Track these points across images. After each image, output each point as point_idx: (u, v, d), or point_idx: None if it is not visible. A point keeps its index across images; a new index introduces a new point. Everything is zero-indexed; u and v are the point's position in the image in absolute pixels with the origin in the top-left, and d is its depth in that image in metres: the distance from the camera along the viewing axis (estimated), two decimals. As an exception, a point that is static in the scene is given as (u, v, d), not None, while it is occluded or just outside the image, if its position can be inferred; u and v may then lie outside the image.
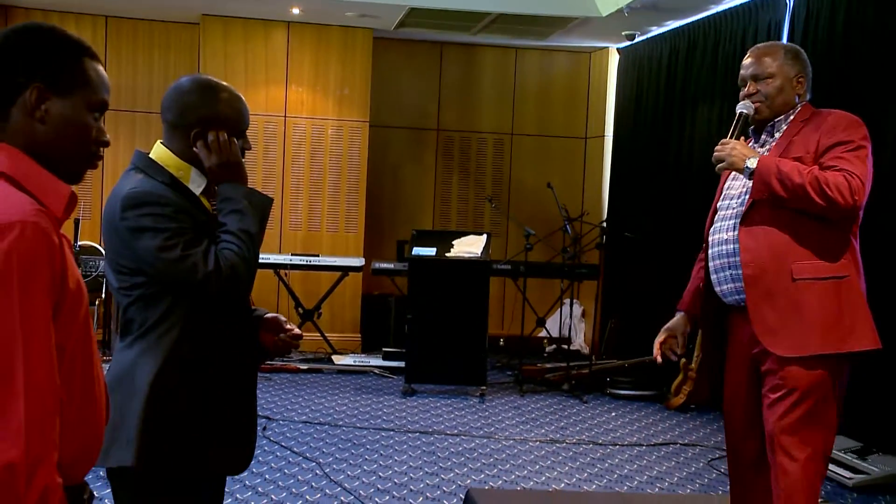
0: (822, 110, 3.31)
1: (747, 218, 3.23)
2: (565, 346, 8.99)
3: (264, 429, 6.29)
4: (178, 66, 9.23)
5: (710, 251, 3.39)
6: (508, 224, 10.02)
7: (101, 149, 1.81)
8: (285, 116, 9.25)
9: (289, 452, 5.88)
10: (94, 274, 8.13)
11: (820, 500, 5.11)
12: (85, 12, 9.00)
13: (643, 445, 6.44)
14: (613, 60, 9.99)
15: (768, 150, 3.29)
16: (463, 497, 4.79)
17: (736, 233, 3.26)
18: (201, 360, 2.38)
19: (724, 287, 3.33)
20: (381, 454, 5.95)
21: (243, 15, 9.07)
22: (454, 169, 10.31)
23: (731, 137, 3.28)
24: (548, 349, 9.69)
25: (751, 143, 3.38)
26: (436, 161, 10.27)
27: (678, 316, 3.61)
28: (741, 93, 3.38)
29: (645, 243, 8.51)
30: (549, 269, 9.13)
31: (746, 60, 3.38)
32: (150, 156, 2.44)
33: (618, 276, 9.25)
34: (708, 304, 3.44)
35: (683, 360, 7.45)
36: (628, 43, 9.44)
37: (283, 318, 2.62)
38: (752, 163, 3.14)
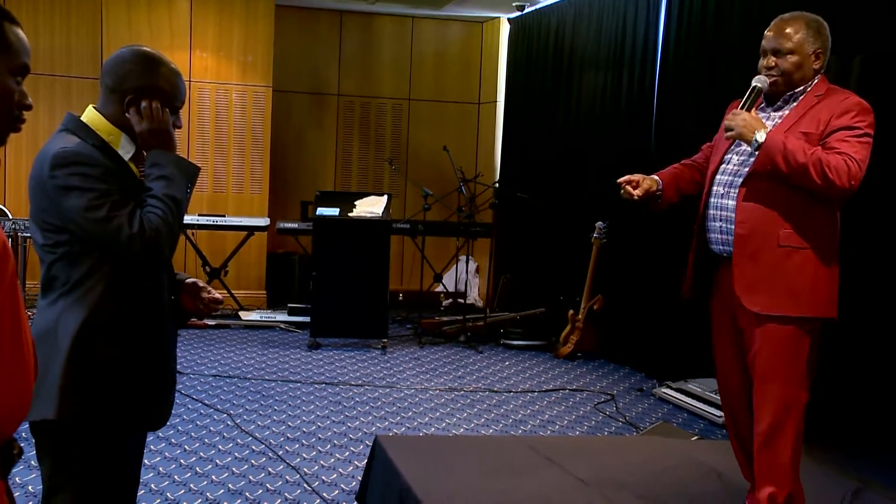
0: (837, 89, 3.28)
1: (748, 182, 3.25)
2: (461, 300, 9.06)
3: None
4: (80, 31, 8.89)
5: (709, 199, 3.41)
6: (407, 185, 10.01)
7: (24, 112, 1.74)
8: (190, 81, 9.01)
9: (200, 405, 5.81)
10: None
11: (694, 437, 5.29)
12: (-14, -24, 8.61)
13: (535, 392, 6.55)
14: (504, 30, 10.02)
15: (781, 118, 3.28)
16: (368, 443, 4.81)
17: (735, 191, 3.28)
18: (124, 318, 2.34)
19: (713, 235, 3.38)
20: (290, 405, 5.93)
21: (147, -19, 8.80)
22: (354, 133, 10.23)
23: (742, 108, 3.25)
24: (445, 303, 9.75)
25: (765, 108, 3.36)
26: (337, 125, 10.18)
27: (653, 176, 3.55)
28: (760, 62, 3.32)
29: (535, 203, 8.60)
30: (445, 227, 9.17)
31: (769, 32, 3.29)
32: (82, 118, 2.38)
33: (510, 234, 9.35)
34: (698, 249, 3.49)
35: (571, 311, 7.59)
36: (518, 13, 9.48)
37: (202, 283, 2.60)
38: (760, 136, 3.12)
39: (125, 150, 2.39)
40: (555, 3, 8.82)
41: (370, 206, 7.77)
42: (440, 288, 9.54)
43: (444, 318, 8.60)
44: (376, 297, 7.63)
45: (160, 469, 4.63)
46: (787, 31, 3.25)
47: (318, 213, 7.71)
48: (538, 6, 9.12)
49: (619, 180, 3.51)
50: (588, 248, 7.46)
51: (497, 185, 9.45)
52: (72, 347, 2.26)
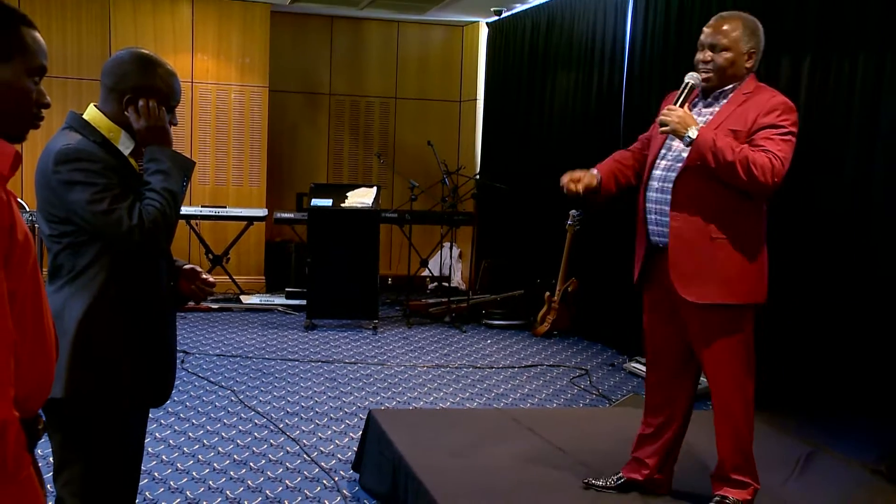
0: (765, 88, 3.20)
1: (682, 178, 3.17)
2: (445, 284, 9.07)
3: (182, 362, 6.18)
4: (90, 36, 8.80)
5: (647, 192, 3.30)
6: (394, 177, 9.98)
7: (42, 110, 1.72)
8: (192, 82, 8.96)
9: (206, 382, 5.80)
10: None
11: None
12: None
13: (515, 368, 6.55)
14: (483, 33, 9.98)
15: (713, 114, 3.20)
16: (362, 416, 4.81)
17: (670, 185, 3.19)
18: (126, 303, 2.32)
19: (651, 227, 3.28)
20: (289, 381, 5.91)
21: (150, -11, 8.73)
22: (345, 129, 10.19)
23: (676, 103, 3.18)
24: (430, 286, 9.74)
25: (697, 103, 3.28)
26: (329, 122, 10.13)
27: (593, 171, 3.46)
28: (696, 55, 3.24)
29: (512, 193, 8.60)
30: (430, 216, 9.12)
31: (708, 28, 3.22)
32: (84, 117, 2.35)
33: (490, 222, 9.34)
34: (640, 238, 3.37)
35: (547, 292, 7.60)
36: (496, 18, 9.45)
37: (199, 269, 2.59)
38: (692, 133, 3.06)
39: (125, 146, 2.36)
40: (530, 8, 8.80)
41: (361, 197, 7.74)
42: (426, 272, 9.52)
43: (430, 301, 8.60)
44: (367, 281, 7.61)
45: (170, 442, 4.61)
46: (725, 27, 3.17)
47: (312, 203, 7.68)
48: (514, 11, 9.09)
49: (561, 179, 3.43)
50: (562, 234, 7.47)
51: (478, 176, 9.43)
52: (77, 331, 2.25)
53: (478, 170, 9.73)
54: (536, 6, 8.64)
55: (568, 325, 7.63)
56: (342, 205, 7.68)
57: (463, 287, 9.73)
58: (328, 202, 7.68)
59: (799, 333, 5.23)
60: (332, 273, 7.57)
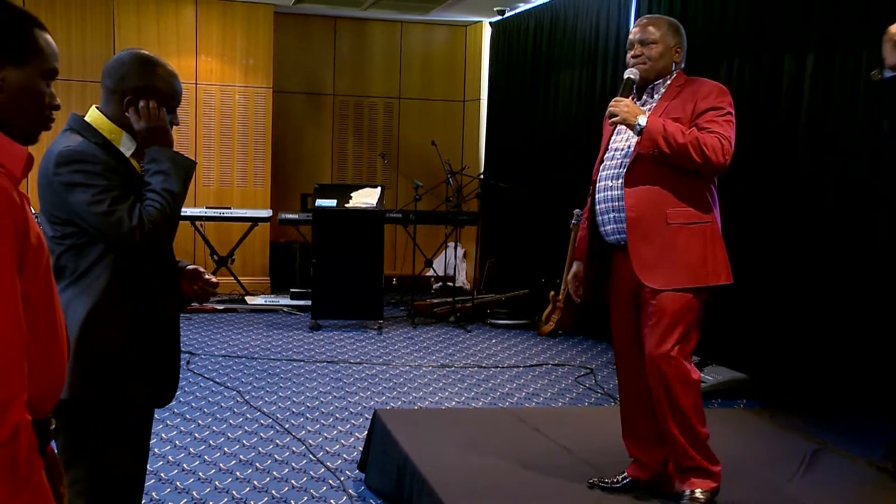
0: (694, 78, 3.33)
1: (632, 169, 3.22)
2: (450, 283, 9.06)
3: (188, 363, 6.19)
4: (94, 39, 8.83)
5: (596, 196, 3.36)
6: (398, 177, 10.00)
7: (53, 112, 1.74)
8: (196, 83, 8.98)
9: (211, 383, 5.81)
10: None
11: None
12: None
13: (520, 367, 6.56)
14: (486, 33, 10.00)
15: (650, 110, 3.27)
16: (368, 416, 4.82)
17: (621, 181, 3.25)
18: (129, 304, 2.33)
19: (608, 227, 3.31)
20: (294, 382, 5.93)
21: (154, -9, 8.75)
22: (349, 129, 10.21)
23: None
24: (435, 286, 9.75)
25: (634, 101, 3.35)
26: (333, 123, 10.15)
27: (577, 265, 3.56)
28: (628, 55, 3.35)
29: (517, 193, 8.60)
30: (435, 216, 9.15)
31: (635, 28, 3.35)
32: (86, 119, 2.36)
33: (494, 222, 9.35)
34: (592, 242, 3.42)
35: (552, 292, 7.61)
36: (499, 17, 9.46)
37: (202, 270, 2.59)
38: (642, 120, 3.14)
39: (126, 147, 2.37)
40: (533, 7, 8.80)
41: (365, 197, 7.75)
42: (431, 272, 9.54)
43: (435, 300, 8.60)
44: (372, 282, 7.62)
45: (176, 442, 4.63)
46: (650, 27, 3.31)
47: (316, 204, 7.69)
48: (517, 10, 9.10)
49: (575, 298, 3.56)
50: (566, 233, 7.47)
51: (482, 176, 9.45)
52: (80, 332, 2.25)
53: (482, 169, 9.74)
54: (540, 6, 8.65)
55: (573, 324, 7.63)
56: (346, 205, 7.69)
57: (467, 287, 9.74)
58: (332, 203, 7.70)
59: (805, 331, 5.23)
60: (337, 273, 7.57)
